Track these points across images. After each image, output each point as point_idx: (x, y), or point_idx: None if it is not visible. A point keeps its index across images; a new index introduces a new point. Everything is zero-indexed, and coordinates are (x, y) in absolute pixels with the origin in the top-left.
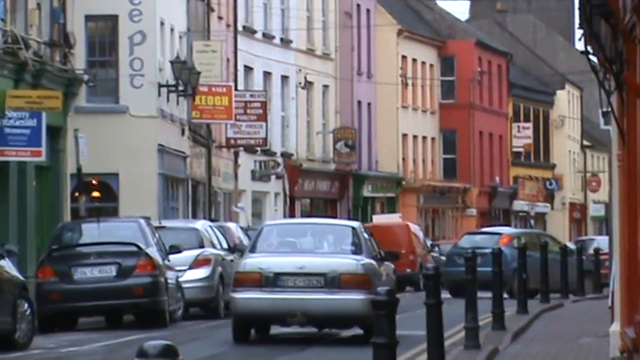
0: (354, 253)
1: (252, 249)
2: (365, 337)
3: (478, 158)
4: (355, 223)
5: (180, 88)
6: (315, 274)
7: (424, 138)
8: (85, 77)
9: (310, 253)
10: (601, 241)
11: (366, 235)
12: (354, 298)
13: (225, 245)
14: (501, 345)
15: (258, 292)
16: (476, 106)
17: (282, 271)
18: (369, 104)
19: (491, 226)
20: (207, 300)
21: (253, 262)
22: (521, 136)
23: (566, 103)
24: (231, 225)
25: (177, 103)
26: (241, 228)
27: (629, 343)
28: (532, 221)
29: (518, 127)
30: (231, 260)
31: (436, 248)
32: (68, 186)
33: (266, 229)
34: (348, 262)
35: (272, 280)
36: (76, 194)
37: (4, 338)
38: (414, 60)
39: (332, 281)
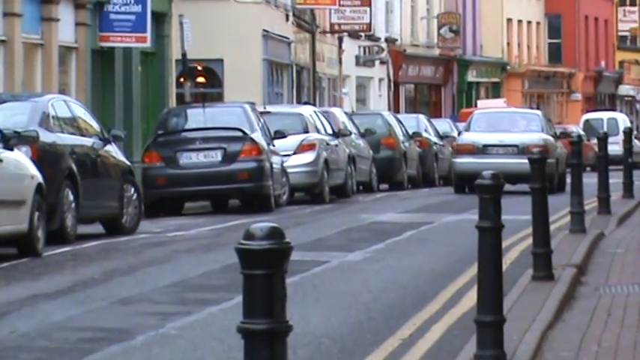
0: (538, 131)
1: (467, 128)
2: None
3: (583, 42)
4: (538, 112)
5: None
6: (510, 145)
7: (529, 22)
8: None
9: (507, 131)
10: None
11: (545, 119)
12: None
13: (329, 130)
14: (607, 229)
15: (472, 157)
16: None
17: (488, 143)
18: None
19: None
20: (311, 185)
21: (468, 137)
22: (627, 20)
23: None
24: (336, 110)
25: None
26: (345, 113)
27: None
28: (638, 105)
29: (624, 10)
30: (336, 145)
31: None
32: (173, 72)
33: (476, 115)
34: (533, 137)
35: (481, 150)
36: (181, 80)
37: (111, 222)
38: None
39: (522, 150)
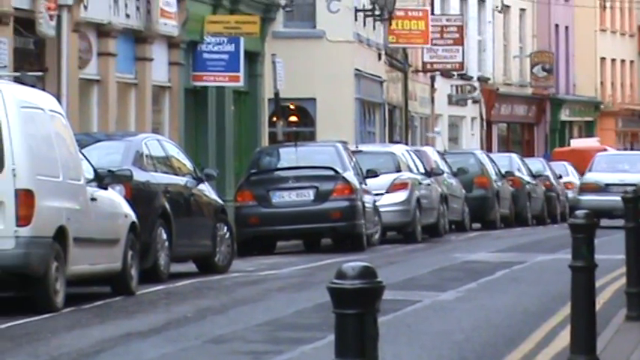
0: None
1: (590, 169)
2: None
3: None
4: None
5: (377, 12)
6: (630, 184)
7: (622, 61)
8: (282, 2)
9: (626, 171)
10: None
11: None
12: None
13: (421, 169)
14: None
15: (595, 195)
16: None
17: (610, 182)
18: (566, 27)
19: None
20: (404, 224)
21: (592, 177)
22: None
23: None
24: (428, 149)
25: (374, 28)
26: (438, 152)
27: None
28: None
29: None
30: (428, 184)
31: None
32: (266, 111)
33: (598, 157)
34: None
35: (603, 188)
36: (274, 119)
37: (204, 261)
38: None
39: None
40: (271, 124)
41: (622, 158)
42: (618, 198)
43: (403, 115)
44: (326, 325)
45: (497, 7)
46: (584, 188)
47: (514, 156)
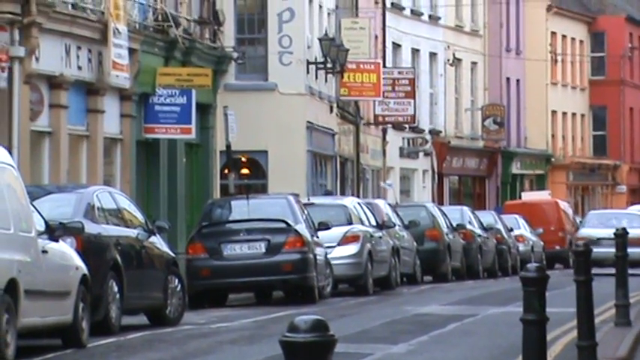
0: (638, 227)
1: (582, 225)
2: None
3: (629, 135)
4: (638, 212)
5: (329, 65)
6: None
7: (574, 114)
8: (235, 55)
9: (614, 227)
10: None
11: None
12: None
13: (373, 222)
14: None
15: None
16: (626, 82)
17: (601, 236)
18: (517, 81)
19: None
20: (355, 277)
21: (585, 231)
22: None
23: None
24: (380, 201)
25: (326, 81)
26: (389, 204)
27: None
28: None
29: None
30: (380, 237)
31: None
32: (218, 163)
33: (589, 215)
34: (637, 232)
35: (595, 241)
36: (226, 171)
37: (155, 313)
38: (564, 36)
39: (633, 242)
40: (223, 176)
41: (610, 215)
42: (609, 250)
43: (355, 168)
44: None
45: (448, 60)
46: (579, 241)
47: (465, 209)
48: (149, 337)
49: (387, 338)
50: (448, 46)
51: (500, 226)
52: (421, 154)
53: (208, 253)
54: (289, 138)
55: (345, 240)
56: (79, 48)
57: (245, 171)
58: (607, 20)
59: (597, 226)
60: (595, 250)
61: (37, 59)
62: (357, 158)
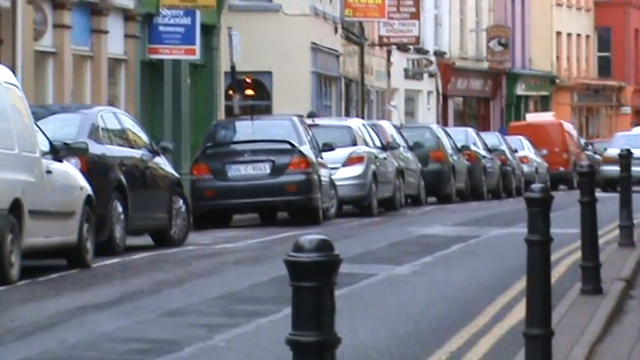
0: None
1: (610, 145)
2: None
3: (633, 56)
4: None
5: None
6: None
7: (578, 35)
8: None
9: None
10: None
11: None
12: None
13: (378, 143)
14: None
15: (615, 166)
16: (632, 3)
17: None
18: (522, 2)
19: None
20: (360, 197)
21: (612, 151)
22: None
23: None
24: (384, 123)
25: (330, 1)
26: (394, 126)
27: None
28: None
29: None
30: (384, 158)
31: (590, 146)
32: (222, 84)
33: (617, 136)
34: None
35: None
36: (230, 92)
37: (160, 234)
38: None
39: None
40: (227, 97)
41: (637, 137)
42: (634, 169)
43: (359, 89)
44: (282, 299)
45: None
46: (606, 160)
47: (470, 130)
48: (153, 258)
49: (391, 259)
50: None
51: (504, 147)
52: (426, 76)
53: (213, 174)
54: (294, 59)
55: (349, 161)
56: None
57: (249, 92)
58: None
59: (624, 146)
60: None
61: None
62: (361, 79)
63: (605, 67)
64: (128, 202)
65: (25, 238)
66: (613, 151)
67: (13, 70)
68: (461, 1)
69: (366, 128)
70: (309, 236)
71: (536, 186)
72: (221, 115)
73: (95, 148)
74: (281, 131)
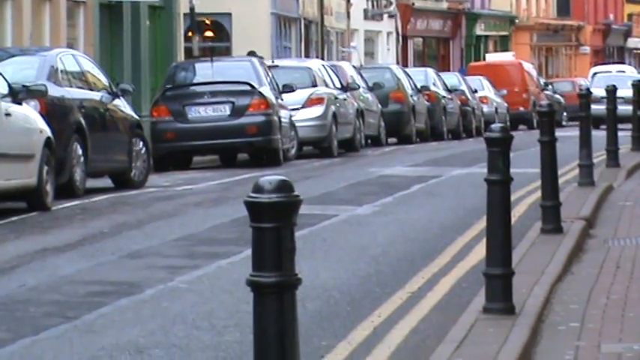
0: None
1: (590, 85)
2: None
3: None
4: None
5: None
6: (621, 97)
7: None
8: None
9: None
10: None
11: None
12: None
13: (338, 84)
14: (615, 182)
15: (599, 105)
16: None
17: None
18: None
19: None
20: (320, 139)
21: (596, 91)
22: None
23: None
24: (344, 64)
25: None
26: (354, 67)
27: None
28: None
29: None
30: (344, 99)
31: (549, 86)
32: (181, 26)
33: (597, 77)
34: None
35: (599, 100)
36: (190, 34)
37: (120, 176)
38: None
39: (627, 100)
40: (187, 39)
41: (614, 77)
42: (625, 107)
43: (319, 30)
44: (242, 240)
45: None
46: (593, 100)
47: (430, 70)
48: (114, 200)
49: (351, 200)
50: None
51: (464, 87)
52: (385, 16)
53: (173, 115)
54: (253, 0)
55: (309, 102)
56: None
57: (209, 34)
58: None
59: (603, 87)
60: (601, 107)
61: None
62: (321, 21)
63: (564, 7)
64: (88, 145)
65: None
66: (597, 91)
67: None
68: None
69: (325, 69)
70: (269, 177)
71: (495, 126)
72: (181, 57)
73: (54, 91)
74: (241, 72)
